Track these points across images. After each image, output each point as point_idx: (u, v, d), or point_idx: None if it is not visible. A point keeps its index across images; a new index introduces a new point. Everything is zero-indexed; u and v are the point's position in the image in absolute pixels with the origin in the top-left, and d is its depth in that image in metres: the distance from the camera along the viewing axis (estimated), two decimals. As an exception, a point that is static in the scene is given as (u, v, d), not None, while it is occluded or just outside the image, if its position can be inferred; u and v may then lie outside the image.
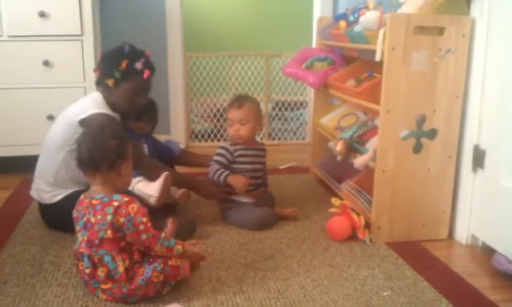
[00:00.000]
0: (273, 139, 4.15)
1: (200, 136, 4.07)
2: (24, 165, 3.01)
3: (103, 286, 1.65)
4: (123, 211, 1.60)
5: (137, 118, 2.44)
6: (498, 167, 2.02)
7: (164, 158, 2.50)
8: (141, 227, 1.61)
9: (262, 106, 4.15)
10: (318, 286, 1.81)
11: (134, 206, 1.62)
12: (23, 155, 3.00)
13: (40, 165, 2.25)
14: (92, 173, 1.69)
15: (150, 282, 1.64)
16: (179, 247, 1.70)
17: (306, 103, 4.24)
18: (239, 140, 2.38)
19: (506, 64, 1.96)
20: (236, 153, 2.38)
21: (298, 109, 4.31)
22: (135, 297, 1.66)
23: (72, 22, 2.93)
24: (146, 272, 1.64)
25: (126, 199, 1.64)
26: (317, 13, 3.88)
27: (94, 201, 1.64)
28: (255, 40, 4.92)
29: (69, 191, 2.18)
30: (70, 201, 2.14)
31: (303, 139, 4.16)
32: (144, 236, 1.62)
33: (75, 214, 1.72)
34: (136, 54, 2.20)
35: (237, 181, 2.31)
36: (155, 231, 1.66)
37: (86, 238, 1.64)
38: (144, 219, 1.63)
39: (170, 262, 1.69)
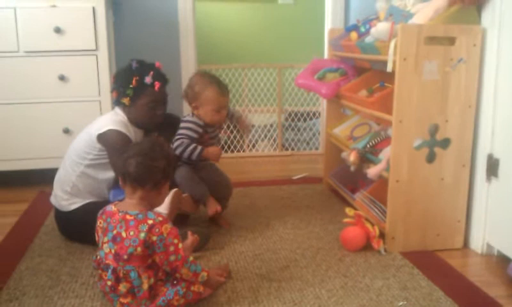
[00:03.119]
0: (286, 149, 4.17)
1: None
2: (41, 178, 3.06)
3: (122, 300, 1.66)
4: (157, 230, 1.61)
5: (159, 133, 2.46)
6: (511, 176, 2.02)
7: None
8: (172, 248, 1.62)
9: (275, 117, 4.19)
10: (333, 296, 1.82)
11: (168, 227, 1.63)
12: (40, 168, 3.05)
13: (58, 174, 2.32)
14: (134, 187, 1.69)
15: (171, 305, 1.66)
16: (204, 274, 1.72)
17: (319, 114, 4.25)
18: (220, 124, 2.43)
19: (518, 73, 1.96)
20: (208, 136, 2.39)
21: (311, 119, 4.32)
22: None
23: (87, 38, 2.98)
24: (168, 294, 1.65)
25: (160, 218, 1.64)
26: (328, 24, 3.91)
27: (128, 217, 1.64)
28: (268, 52, 4.97)
29: (86, 201, 2.24)
30: (85, 211, 2.21)
31: (316, 149, 4.17)
32: (173, 258, 1.63)
33: (102, 224, 1.72)
34: (144, 68, 2.24)
35: (215, 153, 2.34)
36: (184, 255, 1.67)
37: (113, 251, 1.64)
38: (176, 241, 1.64)
39: (193, 288, 1.70)
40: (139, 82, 2.21)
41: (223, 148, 4.07)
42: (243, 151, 4.11)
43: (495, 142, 2.10)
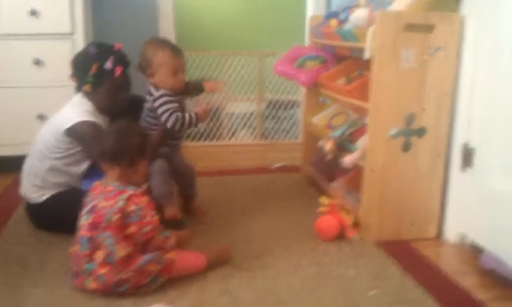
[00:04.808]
0: (266, 138, 4.14)
1: (192, 136, 4.04)
2: (14, 165, 2.98)
3: (98, 271, 1.66)
4: (135, 200, 1.69)
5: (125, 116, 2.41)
6: (487, 166, 2.01)
7: None
8: (147, 218, 1.70)
9: (255, 105, 4.15)
10: (306, 285, 1.80)
11: (146, 199, 1.73)
12: (14, 155, 2.98)
13: (26, 167, 2.25)
14: (112, 166, 1.77)
15: (146, 270, 1.69)
16: (173, 239, 1.81)
17: (300, 103, 4.22)
18: (181, 89, 2.29)
19: (496, 61, 1.95)
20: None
21: (291, 108, 4.29)
22: (127, 285, 1.67)
23: (63, 21, 2.91)
24: (143, 259, 1.69)
25: (139, 191, 1.74)
26: (310, 11, 3.87)
27: (109, 188, 1.73)
28: (248, 39, 4.90)
29: (55, 191, 2.19)
30: (57, 201, 2.17)
31: (296, 138, 4.14)
32: (148, 228, 1.71)
33: (85, 201, 1.79)
34: (103, 53, 2.17)
35: (206, 112, 2.31)
36: (159, 225, 1.75)
37: (90, 221, 1.69)
38: (152, 212, 1.73)
39: (166, 256, 1.75)
40: (99, 68, 2.14)
41: (201, 135, 4.03)
42: (222, 139, 4.07)
43: (471, 132, 2.09)
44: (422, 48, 2.04)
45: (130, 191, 1.72)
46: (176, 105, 2.22)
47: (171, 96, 2.23)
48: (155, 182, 2.22)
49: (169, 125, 2.18)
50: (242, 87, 4.13)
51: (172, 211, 2.25)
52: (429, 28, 2.04)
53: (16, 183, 2.67)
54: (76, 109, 2.17)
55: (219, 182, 2.96)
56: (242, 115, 4.18)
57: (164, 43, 2.27)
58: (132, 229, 1.68)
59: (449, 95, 2.11)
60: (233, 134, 4.12)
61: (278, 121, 4.24)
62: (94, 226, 1.68)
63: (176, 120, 2.18)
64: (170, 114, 2.18)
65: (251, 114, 4.18)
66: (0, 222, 2.32)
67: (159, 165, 2.24)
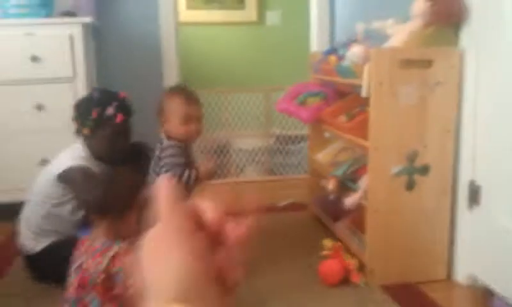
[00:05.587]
0: (275, 173, 4.08)
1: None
2: (18, 211, 2.97)
3: None
4: (119, 259, 1.58)
5: (127, 165, 2.37)
6: (495, 204, 1.92)
7: None
8: (132, 280, 1.55)
9: (263, 141, 4.10)
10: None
11: (131, 258, 1.57)
12: (17, 201, 2.96)
13: (24, 215, 2.23)
14: (98, 218, 1.67)
15: None
16: None
17: (308, 137, 4.16)
18: (194, 139, 2.18)
19: (498, 95, 1.88)
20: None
21: (299, 142, 4.23)
22: None
23: (64, 66, 2.92)
24: None
25: (125, 248, 1.60)
26: (313, 47, 3.84)
27: (96, 245, 1.63)
28: (255, 74, 4.88)
29: (52, 239, 2.15)
30: (52, 251, 2.12)
31: (305, 172, 4.06)
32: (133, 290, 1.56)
33: (74, 255, 1.70)
34: (106, 99, 2.16)
35: (209, 170, 2.14)
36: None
37: (77, 280, 1.61)
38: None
39: None
40: (99, 114, 2.13)
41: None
42: (230, 176, 4.02)
43: (476, 168, 2.01)
44: (421, 84, 1.98)
45: (116, 248, 1.61)
46: (181, 160, 2.10)
47: (178, 147, 2.11)
48: None
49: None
50: (249, 123, 4.09)
51: None
52: (427, 63, 1.99)
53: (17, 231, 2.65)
54: (70, 154, 2.15)
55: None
56: (250, 151, 4.14)
57: (178, 90, 2.19)
58: (118, 290, 1.59)
59: (452, 131, 2.04)
60: (241, 170, 4.06)
61: (287, 155, 4.19)
62: (80, 286, 1.60)
63: (175, 173, 2.05)
64: (166, 170, 2.08)
65: (259, 149, 4.13)
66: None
67: None
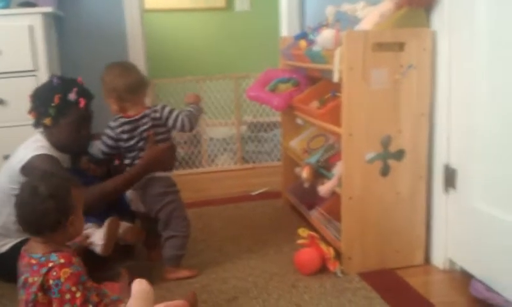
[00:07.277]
0: (247, 162, 4.02)
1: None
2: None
3: None
4: (54, 273, 1.42)
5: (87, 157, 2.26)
6: (470, 187, 1.90)
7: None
8: (67, 296, 1.42)
9: (234, 129, 4.03)
10: (283, 330, 1.68)
11: (67, 271, 1.43)
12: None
13: None
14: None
15: None
16: (124, 301, 1.55)
17: (280, 124, 4.11)
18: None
19: (472, 77, 1.84)
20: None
21: (272, 129, 4.18)
22: None
23: (24, 58, 2.79)
24: None
25: (62, 260, 1.45)
26: (284, 32, 3.78)
27: (33, 260, 1.47)
28: (224, 62, 4.79)
29: (16, 240, 2.04)
30: (19, 251, 2.02)
31: (278, 160, 4.01)
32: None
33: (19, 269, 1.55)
34: (67, 84, 2.06)
35: (197, 96, 2.29)
36: (83, 303, 1.44)
37: (23, 297, 1.47)
38: (73, 289, 1.43)
39: None
40: (62, 99, 2.02)
41: (180, 163, 3.90)
42: (202, 166, 3.94)
43: (452, 152, 1.98)
44: (393, 68, 1.94)
45: (51, 262, 1.44)
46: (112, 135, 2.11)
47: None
48: None
49: (187, 126, 2.12)
50: (220, 112, 4.02)
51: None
52: (399, 46, 1.94)
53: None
54: (31, 146, 2.04)
55: (197, 214, 2.82)
56: (221, 140, 4.07)
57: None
58: (55, 306, 1.43)
59: (426, 115, 2.00)
60: (213, 160, 3.99)
61: (259, 143, 4.13)
62: (26, 304, 1.46)
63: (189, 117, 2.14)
64: (181, 116, 2.13)
65: (231, 138, 4.06)
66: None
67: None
